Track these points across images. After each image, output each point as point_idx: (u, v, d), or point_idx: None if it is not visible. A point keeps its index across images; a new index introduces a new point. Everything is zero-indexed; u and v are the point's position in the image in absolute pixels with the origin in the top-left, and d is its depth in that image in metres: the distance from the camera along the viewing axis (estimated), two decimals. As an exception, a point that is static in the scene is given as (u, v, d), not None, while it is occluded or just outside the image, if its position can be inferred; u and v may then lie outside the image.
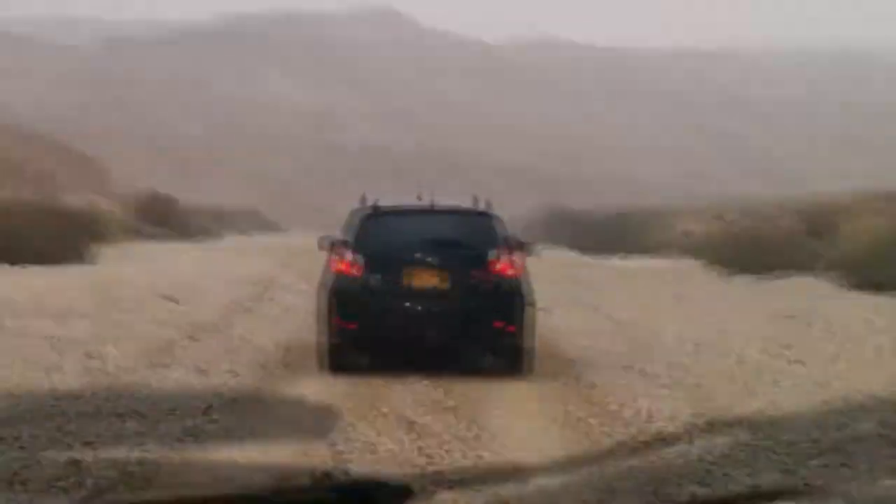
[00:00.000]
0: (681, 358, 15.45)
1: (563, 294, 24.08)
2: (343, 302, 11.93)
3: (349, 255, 12.07)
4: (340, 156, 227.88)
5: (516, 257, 12.36)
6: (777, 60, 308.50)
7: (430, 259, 12.10)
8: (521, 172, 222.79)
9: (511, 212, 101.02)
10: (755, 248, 44.37)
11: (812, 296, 25.80)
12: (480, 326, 11.79)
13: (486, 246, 12.22)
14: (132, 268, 30.56)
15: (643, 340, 17.15)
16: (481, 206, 12.91)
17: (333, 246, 12.52)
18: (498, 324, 11.68)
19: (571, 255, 62.51)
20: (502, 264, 12.07)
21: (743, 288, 31.05)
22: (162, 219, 67.71)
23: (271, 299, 22.89)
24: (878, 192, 48.09)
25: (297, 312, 19.58)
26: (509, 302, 11.88)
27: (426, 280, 11.99)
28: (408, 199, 13.78)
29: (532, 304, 12.21)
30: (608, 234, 77.46)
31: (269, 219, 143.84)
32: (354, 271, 11.94)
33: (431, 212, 12.91)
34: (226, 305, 21.03)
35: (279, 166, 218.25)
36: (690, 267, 45.79)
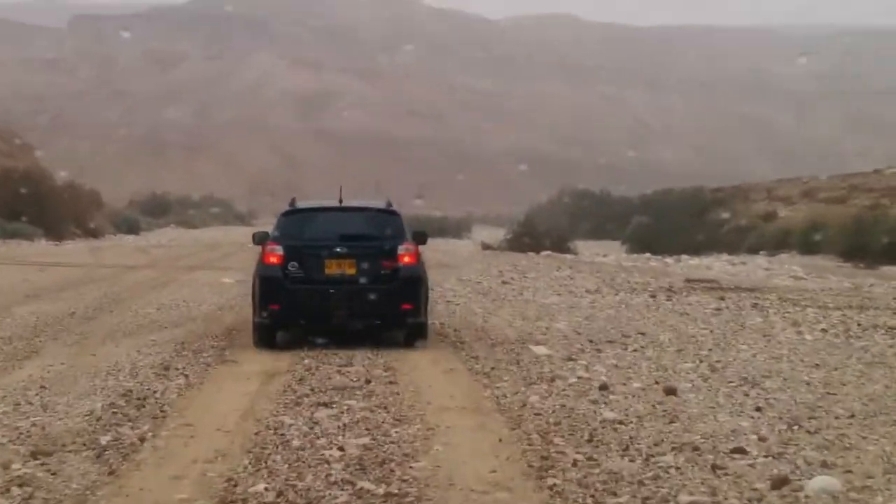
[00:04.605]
0: None
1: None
2: (266, 287, 12.91)
3: (270, 247, 13.12)
4: (332, 143, 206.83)
5: (415, 248, 13.26)
6: (801, 38, 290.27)
7: (340, 249, 13.12)
8: (536, 158, 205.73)
9: (529, 199, 78.07)
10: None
11: None
12: (385, 306, 12.80)
13: (389, 238, 13.30)
14: None
15: None
16: (385, 205, 14.07)
17: (262, 239, 13.49)
18: (400, 305, 12.73)
19: (634, 258, 41.06)
20: (403, 253, 13.04)
21: None
22: (26, 210, 48.73)
23: None
24: None
25: None
26: (410, 285, 12.90)
27: (337, 267, 13.02)
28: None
29: (427, 287, 13.43)
30: (668, 226, 56.59)
31: (240, 210, 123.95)
32: (275, 260, 12.96)
33: (342, 209, 14.04)
34: None
35: (262, 153, 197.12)
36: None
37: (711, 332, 13.30)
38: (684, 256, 44.81)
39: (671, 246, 49.34)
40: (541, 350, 11.18)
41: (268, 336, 12.81)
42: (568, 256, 43.06)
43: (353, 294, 12.80)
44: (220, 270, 25.76)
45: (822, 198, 59.18)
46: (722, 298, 18.59)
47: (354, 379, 9.39)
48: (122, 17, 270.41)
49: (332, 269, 12.97)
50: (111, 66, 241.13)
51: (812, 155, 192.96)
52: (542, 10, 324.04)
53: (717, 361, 10.71)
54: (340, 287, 12.85)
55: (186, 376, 9.49)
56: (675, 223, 57.05)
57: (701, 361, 10.72)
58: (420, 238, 13.60)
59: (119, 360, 10.30)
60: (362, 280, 12.88)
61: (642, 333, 13.01)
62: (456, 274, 25.88)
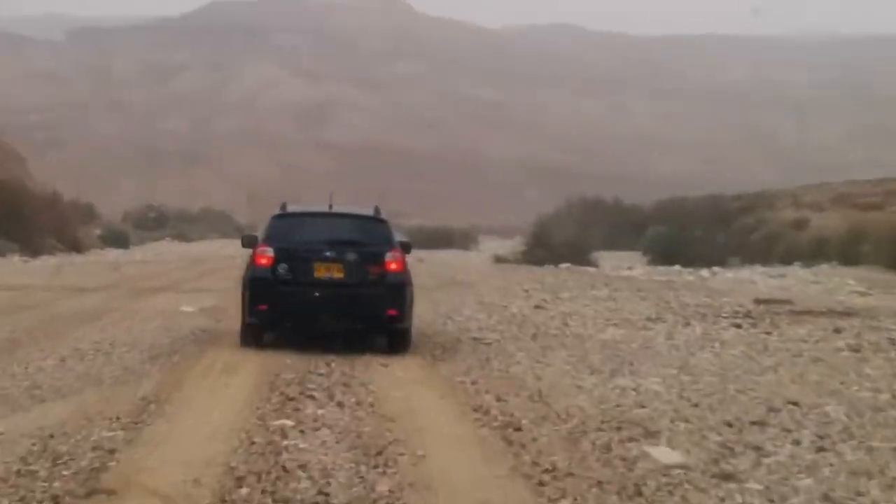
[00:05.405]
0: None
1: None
2: (256, 287, 13.00)
3: (260, 249, 13.20)
4: (333, 153, 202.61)
5: (402, 255, 13.35)
6: (806, 46, 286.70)
7: (329, 253, 13.18)
8: (539, 168, 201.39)
9: (534, 209, 74.42)
10: None
11: None
12: (371, 311, 12.91)
13: (377, 244, 13.40)
14: None
15: None
16: (374, 212, 14.05)
17: (251, 242, 13.60)
18: (386, 310, 12.81)
19: (663, 271, 37.33)
20: (391, 260, 13.10)
21: None
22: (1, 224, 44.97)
23: None
24: None
25: None
26: (396, 291, 12.96)
27: (326, 271, 13.05)
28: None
29: (412, 294, 13.49)
30: (691, 236, 52.31)
31: (239, 222, 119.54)
32: (265, 262, 13.04)
33: (332, 215, 14.16)
34: None
35: (261, 164, 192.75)
36: None
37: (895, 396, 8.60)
38: (716, 268, 40.62)
39: (696, 256, 45.07)
40: (664, 454, 6.43)
41: (256, 336, 13.05)
42: (590, 269, 38.71)
43: (340, 297, 12.88)
44: (189, 293, 21.25)
45: (855, 204, 54.73)
46: (837, 331, 13.97)
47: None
48: (121, 30, 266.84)
49: (321, 272, 12.99)
50: (109, 78, 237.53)
51: (818, 163, 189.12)
52: (541, 20, 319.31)
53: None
54: (328, 290, 12.89)
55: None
56: (698, 232, 52.70)
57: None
58: (405, 247, 13.79)
59: None
60: (350, 284, 12.92)
61: (794, 404, 8.26)
62: (475, 294, 21.32)
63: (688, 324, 15.36)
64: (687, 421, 7.63)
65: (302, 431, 7.20)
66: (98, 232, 62.59)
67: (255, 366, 10.73)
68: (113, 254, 51.00)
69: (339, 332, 12.98)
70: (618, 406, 8.23)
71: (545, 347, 12.27)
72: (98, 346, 11.83)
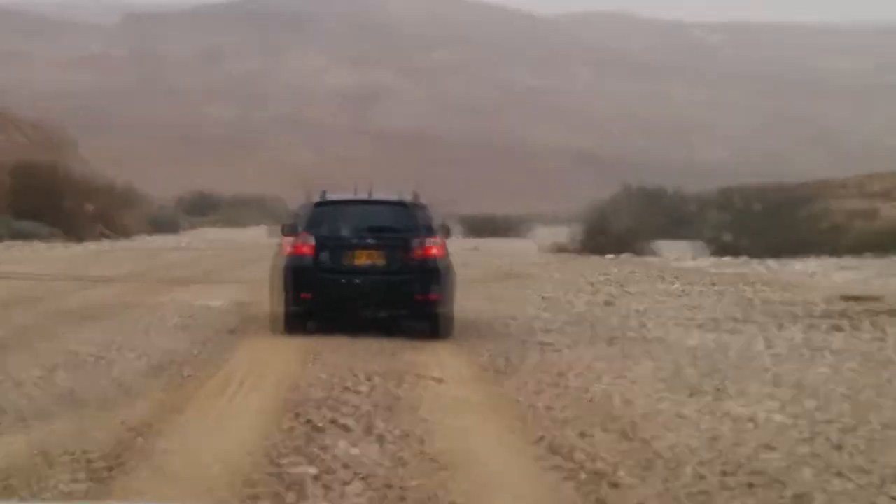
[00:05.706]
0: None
1: None
2: (299, 276, 13.25)
3: (302, 237, 13.36)
4: (379, 141, 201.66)
5: (442, 240, 13.60)
6: (855, 32, 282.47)
7: (370, 240, 13.45)
8: (584, 156, 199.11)
9: (578, 197, 72.85)
10: None
11: None
12: (414, 296, 13.13)
13: (418, 230, 13.54)
14: None
15: None
16: (413, 198, 14.18)
17: (288, 231, 13.84)
18: (428, 295, 13.05)
19: (728, 262, 35.92)
20: (430, 245, 13.32)
21: None
22: (44, 208, 44.43)
23: None
24: None
25: None
26: (439, 276, 13.16)
27: (367, 258, 13.33)
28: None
29: (454, 278, 13.83)
30: (756, 225, 50.24)
31: (281, 210, 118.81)
32: (307, 250, 13.27)
33: (371, 202, 14.31)
34: None
35: (306, 151, 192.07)
36: None
37: None
38: (783, 260, 38.57)
39: (762, 247, 43.04)
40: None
41: (299, 324, 13.18)
42: (652, 260, 36.89)
43: (382, 283, 13.07)
44: (223, 284, 19.65)
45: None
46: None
47: None
48: (170, 15, 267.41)
49: (363, 259, 13.20)
50: (159, 63, 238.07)
51: (868, 151, 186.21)
52: (588, 7, 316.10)
53: None
54: (370, 276, 13.13)
55: None
56: (764, 222, 50.62)
57: None
58: (445, 231, 13.98)
59: None
60: (392, 270, 13.12)
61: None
62: (536, 288, 19.47)
63: (781, 325, 13.43)
64: (839, 475, 5.60)
65: (326, 486, 5.31)
66: (147, 217, 61.95)
67: (280, 379, 8.84)
68: (159, 240, 50.09)
69: (381, 318, 12.99)
70: (737, 445, 6.26)
71: (626, 357, 10.35)
72: (101, 350, 10.00)
